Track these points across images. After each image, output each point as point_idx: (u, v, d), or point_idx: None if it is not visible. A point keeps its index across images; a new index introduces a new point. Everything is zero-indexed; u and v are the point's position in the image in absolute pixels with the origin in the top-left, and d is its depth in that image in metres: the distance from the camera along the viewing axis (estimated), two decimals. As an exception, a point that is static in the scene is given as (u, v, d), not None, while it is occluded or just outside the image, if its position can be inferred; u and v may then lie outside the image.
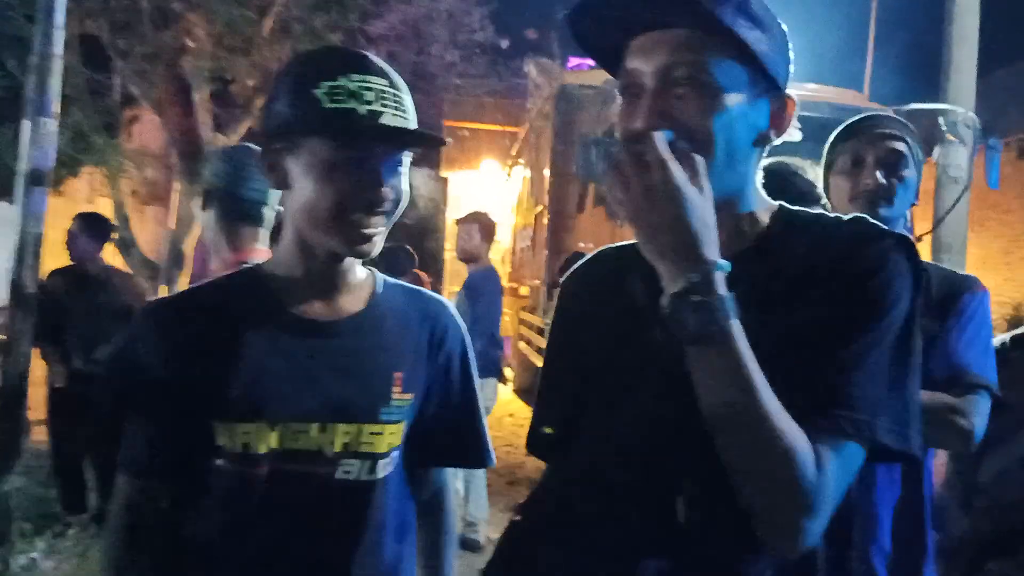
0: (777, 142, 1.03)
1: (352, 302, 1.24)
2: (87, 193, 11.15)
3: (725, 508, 0.89)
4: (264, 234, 2.00)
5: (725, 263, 0.88)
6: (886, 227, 0.98)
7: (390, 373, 1.22)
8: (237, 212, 1.95)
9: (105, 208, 7.44)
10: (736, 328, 0.86)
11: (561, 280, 1.20)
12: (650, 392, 0.97)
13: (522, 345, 10.11)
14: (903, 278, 0.94)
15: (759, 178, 1.04)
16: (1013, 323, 10.57)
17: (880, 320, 0.91)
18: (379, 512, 1.21)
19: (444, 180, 14.61)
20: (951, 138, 7.64)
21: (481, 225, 4.86)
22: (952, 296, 1.75)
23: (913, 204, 1.86)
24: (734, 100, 0.95)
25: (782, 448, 0.85)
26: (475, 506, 4.61)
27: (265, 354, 1.17)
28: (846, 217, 1.01)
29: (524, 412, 8.05)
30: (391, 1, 9.69)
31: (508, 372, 8.63)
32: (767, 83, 0.98)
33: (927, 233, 7.72)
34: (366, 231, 1.15)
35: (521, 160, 12.44)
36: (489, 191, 14.44)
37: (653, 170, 0.87)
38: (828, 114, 7.19)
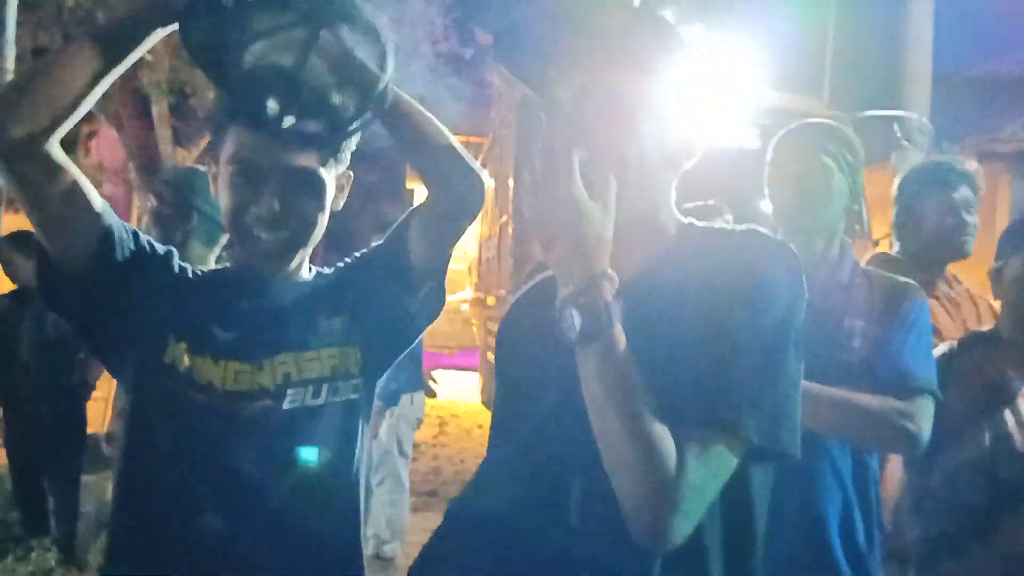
0: (687, 165, 1.08)
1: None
2: (44, 209, 10.93)
3: (611, 509, 0.93)
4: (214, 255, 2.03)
5: (612, 273, 0.94)
6: (770, 235, 1.04)
7: (318, 308, 1.32)
8: (187, 234, 1.99)
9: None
10: (617, 332, 0.92)
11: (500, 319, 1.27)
12: (552, 398, 1.03)
13: (490, 356, 10.10)
14: (777, 284, 0.98)
15: (671, 198, 1.10)
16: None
17: (751, 323, 0.96)
18: (334, 436, 1.29)
19: (410, 191, 14.58)
20: (906, 144, 7.80)
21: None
22: (894, 303, 1.80)
23: (854, 208, 1.93)
24: (647, 123, 1.02)
25: (643, 444, 0.90)
26: (394, 521, 4.50)
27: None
28: (740, 228, 1.07)
29: (493, 422, 8.02)
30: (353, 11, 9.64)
31: (433, 385, 8.62)
32: (677, 107, 1.04)
33: (884, 237, 7.85)
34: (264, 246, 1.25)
35: (486, 170, 12.45)
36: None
37: (559, 184, 0.93)
38: (787, 121, 7.29)
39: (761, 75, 7.13)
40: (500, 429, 1.18)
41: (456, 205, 1.34)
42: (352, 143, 1.29)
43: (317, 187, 1.25)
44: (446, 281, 1.40)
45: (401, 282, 1.35)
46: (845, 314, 1.80)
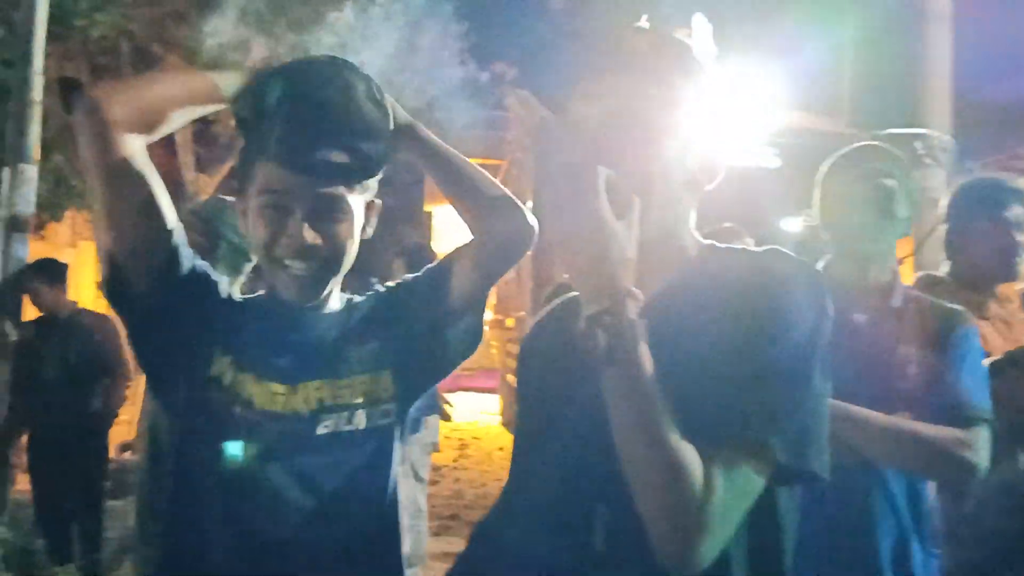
0: (709, 186, 1.09)
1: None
2: (69, 237, 11.08)
3: (637, 534, 0.92)
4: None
5: (637, 291, 0.93)
6: (793, 256, 1.04)
7: (350, 336, 1.35)
8: (213, 263, 2.04)
9: (88, 251, 7.39)
10: (643, 351, 0.91)
11: (521, 341, 1.29)
12: (576, 419, 1.03)
13: (510, 377, 10.09)
14: (802, 304, 0.98)
15: (692, 219, 1.11)
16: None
17: (776, 344, 0.96)
18: (367, 462, 1.31)
19: (428, 214, 14.66)
20: (929, 162, 7.77)
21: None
22: (946, 331, 1.77)
23: (906, 235, 1.90)
24: (669, 145, 1.03)
25: (668, 468, 0.90)
26: (415, 546, 4.47)
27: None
28: (761, 249, 1.07)
29: (514, 445, 8.00)
30: (369, 37, 9.78)
31: (448, 408, 8.58)
32: (699, 131, 1.06)
33: (908, 256, 7.80)
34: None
35: (504, 192, 12.50)
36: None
37: (584, 203, 0.92)
38: (806, 140, 7.31)
39: (780, 95, 7.14)
40: (523, 450, 1.18)
41: (503, 246, 1.37)
42: (378, 171, 1.31)
43: (346, 214, 1.27)
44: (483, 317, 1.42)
45: (440, 315, 1.36)
46: (899, 341, 1.78)
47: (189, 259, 1.30)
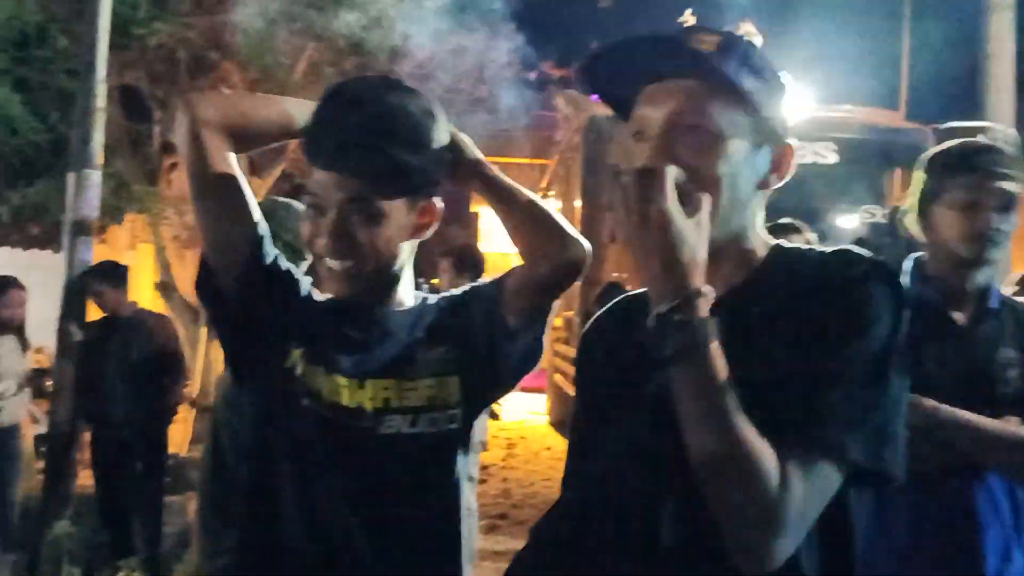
0: (779, 184, 1.10)
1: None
2: (129, 240, 11.38)
3: (706, 531, 0.93)
4: None
5: (709, 289, 0.94)
6: (866, 254, 1.04)
7: (418, 338, 1.38)
8: None
9: (147, 254, 7.56)
10: (715, 350, 0.92)
11: (581, 333, 1.28)
12: (642, 418, 1.03)
13: (557, 377, 10.06)
14: (879, 302, 0.98)
15: (760, 219, 1.11)
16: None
17: (854, 341, 0.96)
18: (428, 466, 1.33)
19: (475, 214, 14.70)
20: (993, 156, 7.49)
21: (456, 260, 4.49)
22: None
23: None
24: (738, 147, 1.03)
25: (744, 466, 0.90)
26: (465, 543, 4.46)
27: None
28: (830, 249, 1.07)
29: (561, 445, 8.00)
30: (419, 40, 9.85)
31: (496, 407, 8.52)
32: (768, 131, 1.06)
33: (973, 251, 7.52)
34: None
35: (551, 192, 12.49)
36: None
37: (654, 201, 0.94)
38: (864, 135, 7.13)
39: (836, 89, 6.96)
40: (582, 447, 1.18)
41: (555, 275, 1.37)
42: (411, 181, 1.31)
43: (375, 217, 1.29)
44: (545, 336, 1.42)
45: (499, 331, 1.38)
46: (999, 343, 1.75)
47: (274, 257, 1.36)
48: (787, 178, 1.09)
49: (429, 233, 1.38)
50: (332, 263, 1.31)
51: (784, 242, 1.13)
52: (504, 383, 1.45)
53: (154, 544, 4.43)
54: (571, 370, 8.62)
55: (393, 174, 1.27)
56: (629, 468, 1.04)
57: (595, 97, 1.17)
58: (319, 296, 1.42)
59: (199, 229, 1.37)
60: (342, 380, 1.32)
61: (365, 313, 1.38)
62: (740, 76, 1.02)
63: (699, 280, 0.94)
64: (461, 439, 1.38)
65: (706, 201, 0.97)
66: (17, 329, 4.64)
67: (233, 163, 1.31)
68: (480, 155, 1.40)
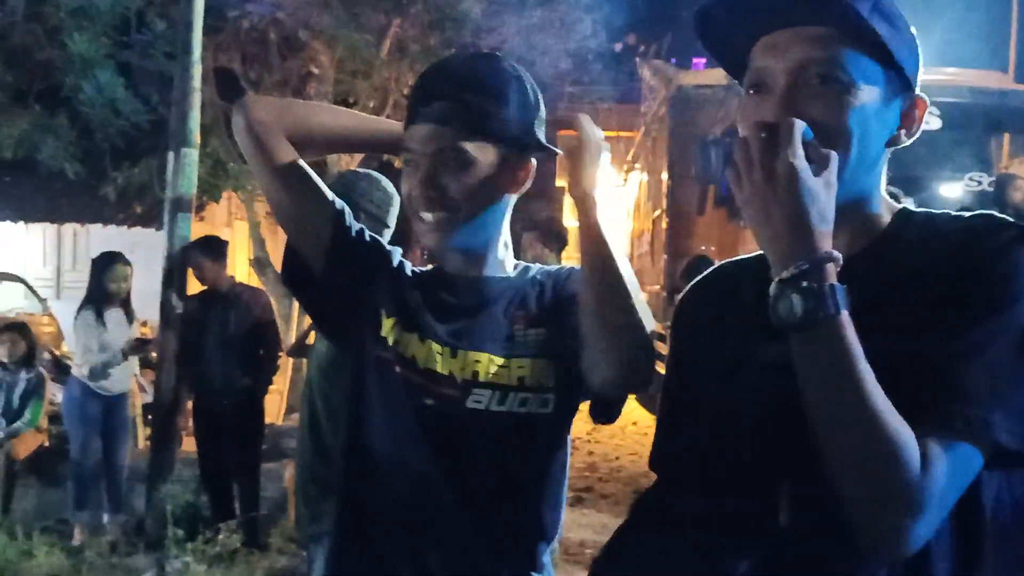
0: (908, 142, 1.01)
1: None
2: (225, 217, 11.78)
3: (828, 512, 0.87)
4: None
5: (838, 254, 0.87)
6: (1011, 221, 0.95)
7: (515, 315, 1.35)
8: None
9: (242, 230, 7.81)
10: (844, 319, 0.85)
11: (679, 296, 1.22)
12: (758, 395, 0.97)
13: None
14: None
15: (884, 181, 1.03)
16: None
17: (1000, 312, 0.88)
18: (516, 447, 1.30)
19: (560, 189, 14.63)
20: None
21: (540, 234, 4.48)
22: None
23: None
24: (869, 98, 0.95)
25: (884, 443, 0.83)
26: None
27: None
28: (968, 214, 0.99)
29: (647, 420, 7.96)
30: (503, 14, 9.81)
31: None
32: (900, 82, 0.97)
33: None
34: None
35: (637, 165, 12.34)
36: (607, 198, 14.32)
37: (780, 156, 0.87)
38: (969, 99, 6.78)
39: (939, 51, 6.60)
40: (679, 421, 1.13)
41: (613, 388, 1.28)
42: (499, 128, 1.31)
43: (467, 164, 1.29)
44: None
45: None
46: None
47: (359, 235, 1.39)
48: (917, 134, 1.01)
49: (523, 189, 1.37)
50: (425, 215, 1.32)
51: (910, 206, 1.04)
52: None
53: (252, 508, 4.59)
54: (657, 345, 8.46)
55: (478, 118, 1.29)
56: (741, 444, 0.98)
57: (699, 62, 1.12)
58: (412, 266, 1.44)
59: (278, 222, 1.42)
60: (436, 347, 1.32)
61: (462, 279, 1.38)
62: (874, 20, 0.93)
63: (828, 243, 0.88)
64: (556, 423, 1.34)
65: (834, 159, 0.90)
66: (123, 302, 4.87)
67: (291, 152, 1.35)
68: (591, 188, 1.29)
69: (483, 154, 1.30)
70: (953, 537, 0.90)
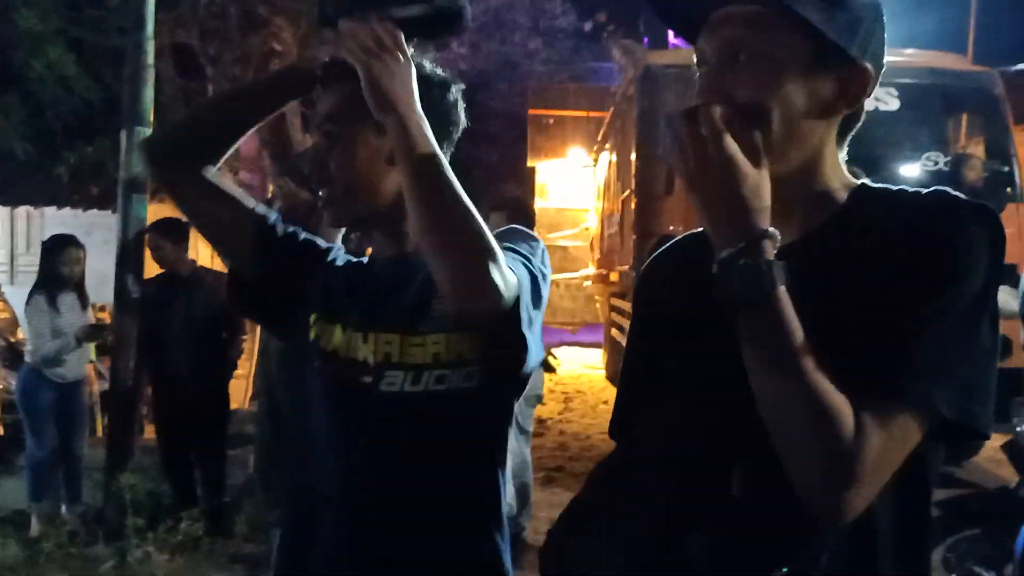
0: (846, 112, 1.02)
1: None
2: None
3: (779, 483, 0.89)
4: None
5: (774, 231, 0.89)
6: (965, 198, 0.96)
7: (431, 290, 1.21)
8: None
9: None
10: (782, 294, 0.88)
11: (639, 269, 1.20)
12: (710, 369, 0.99)
13: (614, 332, 10.00)
14: (979, 248, 0.92)
15: (841, 155, 1.05)
16: None
17: (948, 287, 0.90)
18: (441, 425, 1.26)
19: (532, 169, 14.57)
20: (1063, 99, 7.18)
21: (508, 213, 4.35)
22: None
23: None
24: (794, 74, 0.97)
25: (817, 413, 0.86)
26: (521, 496, 4.43)
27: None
28: (926, 190, 0.99)
29: (619, 400, 7.96)
30: (472, -8, 9.66)
31: (553, 360, 8.48)
32: (835, 56, 0.98)
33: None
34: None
35: (607, 145, 12.29)
36: (576, 179, 14.29)
37: (707, 142, 0.90)
38: (928, 79, 6.84)
39: (898, 32, 6.68)
40: (637, 393, 1.15)
41: (459, 318, 1.17)
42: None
43: (335, 138, 1.30)
44: (538, 329, 1.25)
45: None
46: None
47: (285, 239, 1.37)
48: (860, 104, 1.02)
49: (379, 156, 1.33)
50: (320, 193, 1.33)
51: (869, 182, 1.05)
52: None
53: (216, 495, 4.52)
54: (627, 324, 8.51)
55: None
56: (694, 417, 1.01)
57: (674, 42, 1.11)
58: (343, 257, 1.42)
59: (208, 243, 1.42)
60: (353, 332, 1.29)
61: (380, 261, 1.37)
62: (798, 2, 0.94)
63: (764, 221, 0.90)
64: (486, 395, 1.27)
65: (758, 137, 0.93)
66: (76, 286, 4.72)
67: (198, 184, 1.32)
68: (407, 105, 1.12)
69: (359, 131, 1.28)
70: (899, 507, 0.93)
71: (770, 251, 0.89)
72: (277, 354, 2.43)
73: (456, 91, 1.34)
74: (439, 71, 1.32)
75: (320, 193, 1.32)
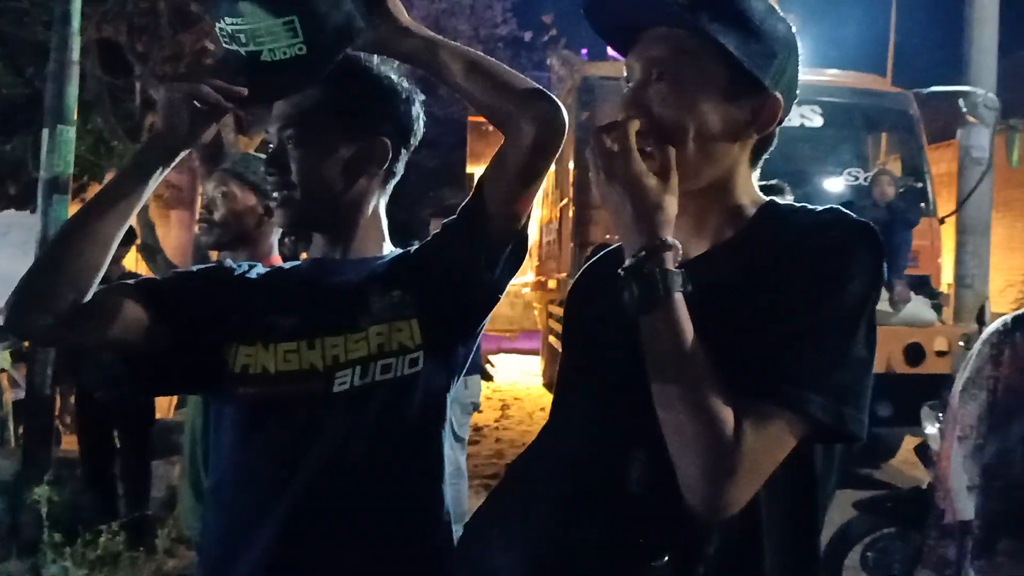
0: (757, 137, 1.08)
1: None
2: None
3: (673, 479, 0.94)
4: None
5: (673, 242, 0.96)
6: (855, 216, 1.03)
7: (370, 287, 1.29)
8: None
9: (129, 213, 7.38)
10: (677, 301, 0.94)
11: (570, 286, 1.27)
12: (614, 367, 1.05)
13: (552, 339, 10.04)
14: (856, 263, 0.98)
15: (754, 174, 1.11)
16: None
17: (827, 299, 0.96)
18: (390, 416, 1.26)
19: (471, 176, 14.54)
20: (972, 120, 7.54)
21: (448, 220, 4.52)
22: None
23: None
24: (710, 97, 1.03)
25: (699, 412, 0.92)
26: (455, 505, 4.41)
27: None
28: (823, 208, 1.06)
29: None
30: (414, -1, 9.61)
31: (490, 368, 8.52)
32: (750, 85, 1.04)
33: (950, 215, 7.60)
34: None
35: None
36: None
37: (616, 156, 0.97)
38: (849, 99, 7.09)
39: (821, 53, 6.92)
40: (564, 392, 1.19)
41: (540, 136, 1.24)
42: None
43: (300, 143, 1.28)
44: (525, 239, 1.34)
45: (483, 241, 1.30)
46: None
47: (170, 293, 1.29)
48: (770, 130, 1.08)
49: (381, 170, 1.32)
50: (274, 195, 1.30)
51: (778, 199, 1.12)
52: (492, 299, 1.35)
53: (139, 508, 4.38)
54: (562, 333, 8.55)
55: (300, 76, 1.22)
56: (604, 414, 1.06)
57: (614, 52, 1.14)
58: (259, 271, 1.37)
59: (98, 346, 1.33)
60: (287, 345, 1.25)
61: (308, 267, 1.34)
62: (714, 28, 1.01)
63: (665, 232, 0.96)
64: (431, 380, 1.30)
65: (670, 153, 0.99)
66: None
67: (65, 327, 1.18)
68: (410, 22, 1.26)
69: (326, 135, 1.27)
70: (785, 504, 0.99)
71: (670, 261, 0.95)
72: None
73: (420, 104, 1.37)
74: (404, 82, 1.34)
75: (276, 195, 1.29)
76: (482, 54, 1.30)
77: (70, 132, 4.27)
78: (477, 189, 1.32)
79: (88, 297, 1.17)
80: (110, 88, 7.09)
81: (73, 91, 4.25)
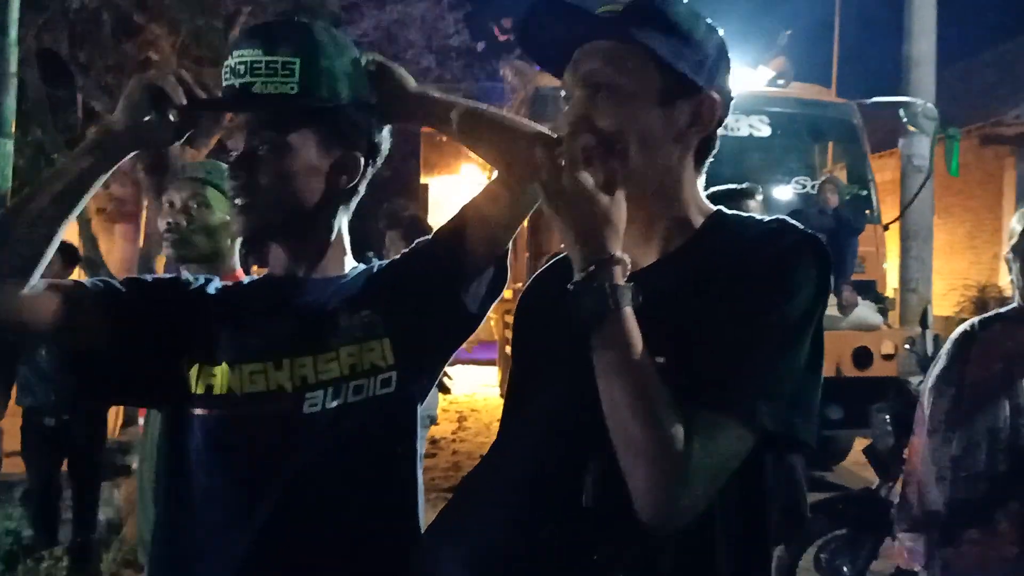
0: (698, 136, 1.08)
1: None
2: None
3: (624, 491, 0.94)
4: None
5: (622, 256, 0.97)
6: (801, 227, 1.04)
7: (340, 306, 1.27)
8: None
9: (72, 228, 7.23)
10: (626, 314, 0.95)
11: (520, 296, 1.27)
12: (565, 380, 1.04)
13: (508, 349, 10.02)
14: (803, 273, 0.99)
15: (699, 184, 1.12)
16: (978, 304, 10.79)
17: (774, 309, 0.97)
18: (363, 437, 1.24)
19: (424, 186, 14.48)
20: (913, 129, 7.78)
21: (404, 232, 4.15)
22: None
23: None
24: (649, 104, 1.04)
25: (649, 423, 0.92)
26: None
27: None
28: (770, 218, 1.07)
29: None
30: (364, 7, 9.58)
31: (447, 381, 8.48)
32: (686, 86, 1.05)
33: (894, 221, 7.82)
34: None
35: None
36: (470, 196, 14.23)
37: (565, 172, 0.97)
38: (796, 109, 7.25)
39: (768, 64, 7.09)
40: (513, 405, 1.18)
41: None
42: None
43: (274, 151, 1.23)
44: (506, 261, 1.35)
45: (464, 265, 1.31)
46: None
47: (138, 291, 1.24)
48: (711, 130, 1.09)
49: (350, 185, 1.29)
50: (236, 200, 1.24)
51: (724, 209, 1.13)
52: (471, 324, 1.35)
53: (85, 532, 4.25)
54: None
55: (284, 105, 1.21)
56: (556, 426, 1.05)
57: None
58: (217, 284, 1.33)
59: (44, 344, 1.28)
60: (252, 366, 1.21)
61: (273, 285, 1.30)
62: (647, 36, 1.02)
63: (614, 247, 0.97)
64: (403, 400, 1.29)
65: (616, 167, 1.01)
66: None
67: (33, 301, 1.15)
68: (415, 85, 1.30)
69: (302, 144, 1.23)
70: (737, 512, 0.99)
71: (619, 275, 0.96)
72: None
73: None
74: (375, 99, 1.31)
75: (237, 200, 1.24)
76: (495, 109, 1.32)
77: (8, 145, 4.15)
78: (462, 214, 1.32)
79: (33, 281, 1.15)
80: (50, 99, 6.90)
81: (11, 103, 4.13)
